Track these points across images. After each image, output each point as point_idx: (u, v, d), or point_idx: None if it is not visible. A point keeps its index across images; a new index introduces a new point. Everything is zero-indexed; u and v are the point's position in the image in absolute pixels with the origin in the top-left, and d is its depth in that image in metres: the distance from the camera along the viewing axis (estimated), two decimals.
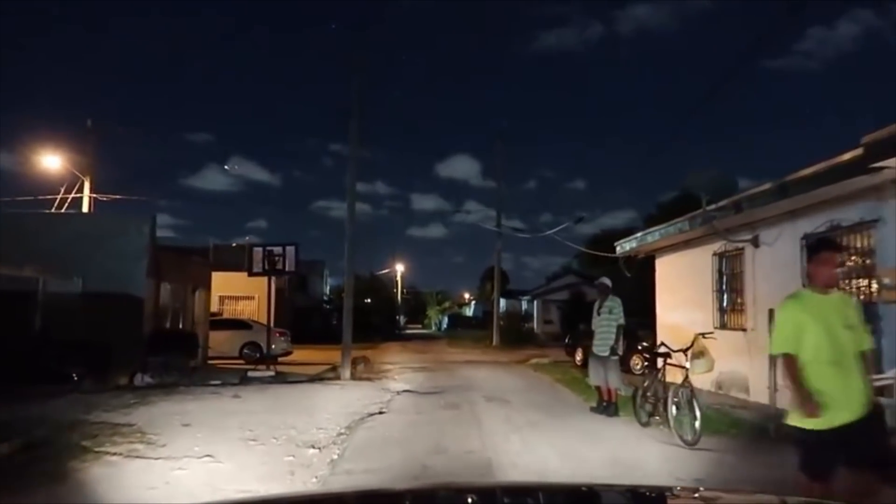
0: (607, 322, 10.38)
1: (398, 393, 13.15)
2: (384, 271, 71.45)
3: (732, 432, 8.88)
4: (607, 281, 10.81)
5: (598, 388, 10.66)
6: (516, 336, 33.94)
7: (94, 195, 26.44)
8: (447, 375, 17.30)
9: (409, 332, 66.35)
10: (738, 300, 12.61)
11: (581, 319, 38.95)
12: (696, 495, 2.59)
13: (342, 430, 8.76)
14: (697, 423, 8.10)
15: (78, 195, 25.67)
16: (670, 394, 8.46)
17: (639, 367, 16.97)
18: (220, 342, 21.75)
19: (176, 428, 8.69)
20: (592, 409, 10.50)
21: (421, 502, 2.25)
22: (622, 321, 10.40)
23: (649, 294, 16.93)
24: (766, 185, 10.13)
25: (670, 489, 3.49)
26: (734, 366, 11.86)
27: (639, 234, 15.93)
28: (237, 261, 37.40)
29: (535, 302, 44.56)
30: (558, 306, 42.52)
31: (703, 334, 9.00)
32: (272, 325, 33.93)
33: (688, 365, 8.66)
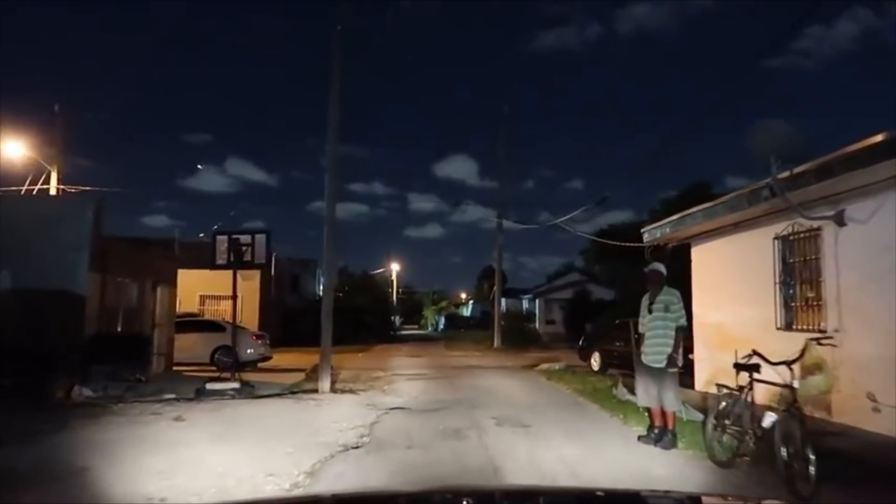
0: (662, 323, 7.72)
1: (387, 411, 10.48)
2: (379, 271, 68.85)
3: (849, 474, 6.23)
4: (661, 268, 8.16)
5: (648, 411, 7.99)
6: (519, 337, 31.30)
7: (62, 187, 23.78)
8: (447, 386, 14.62)
9: (405, 332, 63.62)
10: (812, 294, 9.97)
11: (587, 319, 36.35)
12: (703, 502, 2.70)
13: (299, 479, 6.07)
14: (812, 469, 5.48)
15: (45, 187, 23.09)
16: (776, 427, 5.80)
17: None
18: (189, 346, 19.07)
19: (59, 475, 6.02)
20: (641, 439, 7.83)
21: None
22: (683, 321, 7.76)
23: (682, 289, 14.29)
24: (878, 137, 7.47)
25: (673, 494, 3.31)
26: (806, 376, 9.22)
27: (674, 218, 13.28)
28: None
29: (538, 301, 41.90)
30: (561, 306, 39.90)
31: (817, 340, 6.34)
32: (255, 326, 31.25)
33: (795, 383, 6.01)
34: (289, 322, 35.67)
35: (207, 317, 31.35)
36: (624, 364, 16.09)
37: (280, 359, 24.62)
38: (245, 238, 13.81)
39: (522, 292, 46.23)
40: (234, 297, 14.10)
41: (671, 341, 7.57)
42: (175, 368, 17.91)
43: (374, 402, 11.66)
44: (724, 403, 6.86)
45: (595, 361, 17.49)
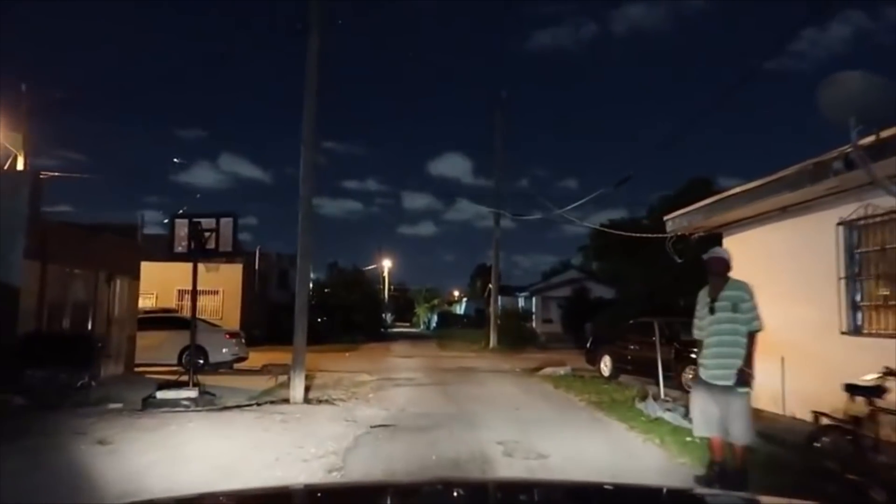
0: (731, 326, 5.78)
1: (368, 430, 8.51)
2: (370, 267, 66.77)
3: None
4: (725, 254, 6.27)
5: (708, 442, 6.04)
6: (516, 337, 29.38)
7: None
8: (440, 394, 12.66)
9: (396, 330, 61.58)
10: (891, 292, 8.08)
11: (586, 318, 34.47)
12: (695, 495, 2.84)
13: None
14: None
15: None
16: None
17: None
18: (155, 346, 17.04)
19: None
20: (699, 480, 5.87)
21: (420, 496, 2.21)
22: (759, 324, 5.78)
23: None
24: None
25: (667, 489, 3.54)
26: None
27: (708, 202, 11.38)
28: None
29: (534, 299, 40.00)
30: (559, 304, 38.01)
31: None
32: (237, 323, 29.20)
33: None
34: (275, 319, 33.58)
35: (181, 313, 29.42)
36: (640, 369, 14.19)
37: (260, 358, 22.63)
38: (208, 222, 11.80)
39: (518, 290, 44.31)
40: (194, 292, 12.17)
41: (742, 351, 5.64)
42: (139, 370, 15.92)
43: (355, 415, 9.70)
44: (828, 438, 4.91)
45: (605, 366, 15.58)
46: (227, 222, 11.96)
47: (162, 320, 18.22)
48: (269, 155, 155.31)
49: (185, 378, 11.38)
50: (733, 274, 6.20)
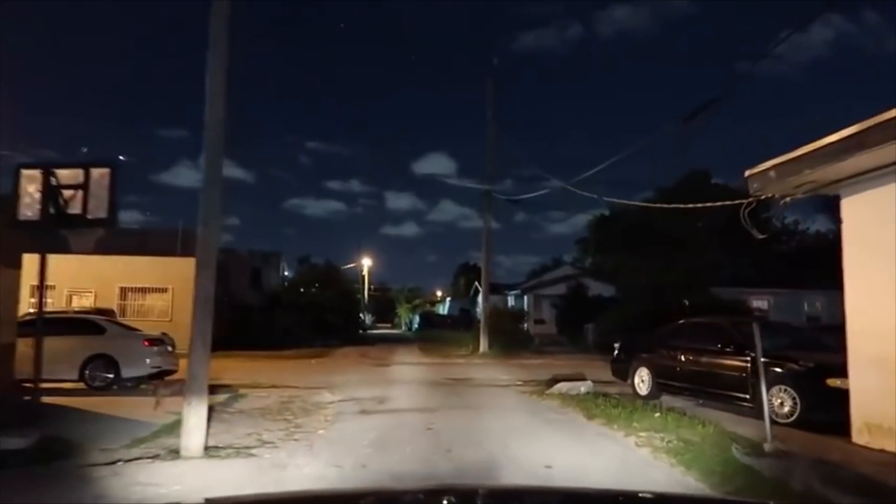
0: None
1: None
2: (350, 265, 62.48)
3: None
4: None
5: None
6: (509, 340, 25.34)
7: None
8: (422, 433, 8.51)
9: (376, 332, 57.30)
10: None
11: (584, 318, 30.52)
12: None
13: None
14: None
15: None
16: None
17: (791, 412, 8.68)
18: (49, 356, 12.70)
19: None
20: None
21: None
22: None
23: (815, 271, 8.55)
24: None
25: (668, 495, 3.52)
26: None
27: (823, 143, 7.37)
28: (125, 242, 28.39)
29: (526, 298, 36.03)
30: (553, 303, 34.09)
31: None
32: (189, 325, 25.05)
33: None
34: (244, 321, 29.34)
35: (125, 315, 25.05)
36: (695, 388, 10.26)
37: (213, 367, 18.54)
38: (69, 174, 7.61)
39: (508, 288, 40.29)
40: (42, 286, 7.89)
41: None
42: (28, 385, 11.65)
43: (282, 481, 5.61)
44: None
45: (641, 381, 11.57)
46: (100, 176, 7.78)
47: (61, 322, 13.87)
48: (250, 154, 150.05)
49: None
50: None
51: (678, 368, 10.63)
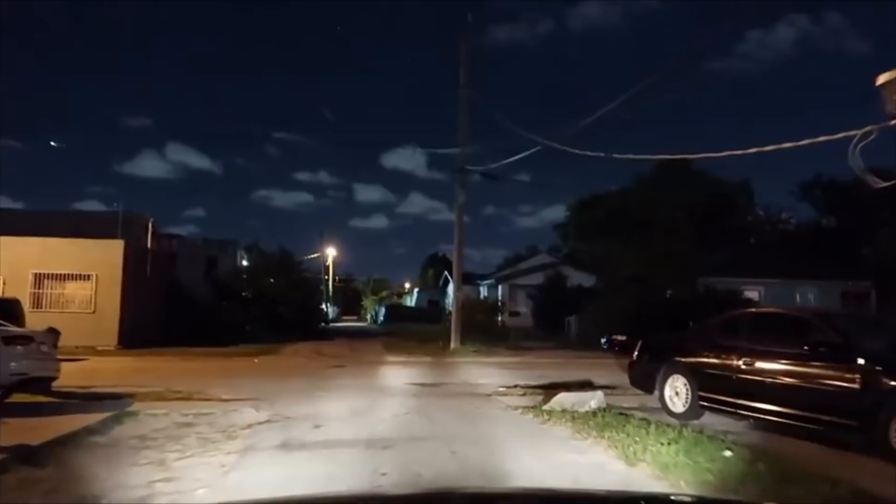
0: None
1: None
2: (313, 255, 58.73)
3: None
4: None
5: None
6: (483, 334, 22.16)
7: None
8: (363, 489, 5.18)
9: (339, 325, 53.80)
10: None
11: (564, 310, 27.53)
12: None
13: None
14: None
15: None
16: None
17: None
18: None
19: None
20: None
21: None
22: None
23: None
24: None
25: (673, 497, 3.39)
26: None
27: None
28: (43, 223, 24.54)
29: (501, 288, 32.90)
30: (529, 293, 31.04)
31: None
32: (116, 318, 21.33)
33: None
34: (189, 315, 25.65)
35: (45, 304, 21.21)
36: (758, 407, 7.16)
37: (127, 370, 15.26)
38: None
39: (480, 278, 37.11)
40: None
41: None
42: None
43: None
44: None
45: (675, 394, 8.38)
46: None
47: None
48: (216, 145, 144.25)
49: None
50: None
51: (733, 378, 7.50)
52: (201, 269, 33.00)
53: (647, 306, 23.53)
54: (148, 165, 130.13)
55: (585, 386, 10.78)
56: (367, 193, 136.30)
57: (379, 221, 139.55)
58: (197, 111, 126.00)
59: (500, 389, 11.81)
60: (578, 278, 30.26)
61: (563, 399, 8.91)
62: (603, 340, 22.11)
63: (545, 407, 8.76)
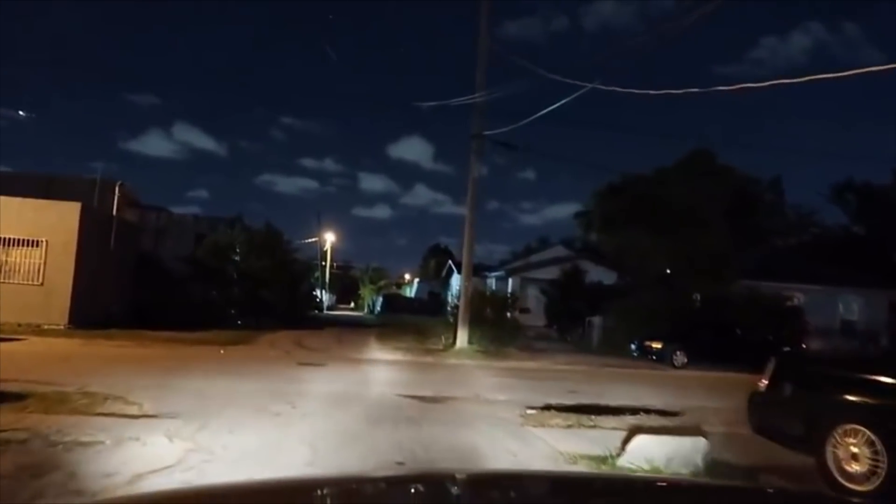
0: None
1: None
2: (310, 240, 55.37)
3: None
4: None
5: None
6: (493, 332, 18.80)
7: None
8: None
9: (334, 314, 50.45)
10: None
11: (582, 308, 24.12)
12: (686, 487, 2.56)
13: None
14: None
15: None
16: None
17: None
18: None
19: None
20: None
21: (404, 489, 2.03)
22: None
23: None
24: None
25: (663, 479, 3.57)
26: None
27: None
28: None
29: (511, 281, 29.53)
30: (542, 289, 27.68)
31: None
32: (67, 294, 18.30)
33: None
34: (171, 294, 22.38)
35: None
36: None
37: (56, 356, 12.18)
38: None
39: (489, 269, 33.68)
40: None
41: None
42: None
43: None
44: None
45: (853, 461, 4.99)
46: None
47: None
48: (221, 125, 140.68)
49: None
50: None
51: None
52: (190, 246, 29.78)
53: (681, 308, 20.24)
54: (153, 144, 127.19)
55: (648, 413, 7.46)
56: (372, 183, 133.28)
57: (382, 211, 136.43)
58: (205, 92, 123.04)
59: (530, 412, 8.53)
60: (598, 274, 26.92)
61: (647, 447, 5.59)
62: (633, 346, 18.80)
63: (624, 461, 5.43)
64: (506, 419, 8.02)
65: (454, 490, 2.03)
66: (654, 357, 18.06)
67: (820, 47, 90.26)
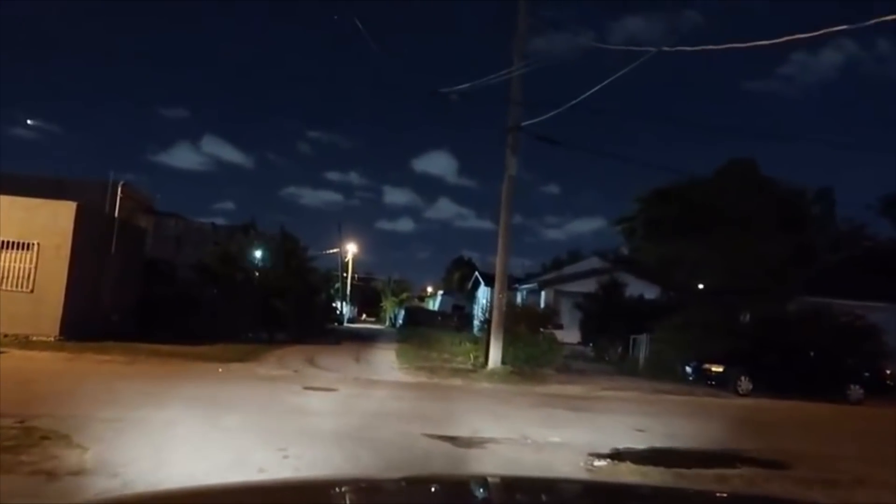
0: None
1: None
2: (331, 251, 53.70)
3: None
4: None
5: None
6: (526, 350, 16.61)
7: None
8: None
9: (354, 326, 48.54)
10: None
11: (623, 325, 21.40)
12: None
13: None
14: None
15: None
16: None
17: None
18: None
19: None
20: None
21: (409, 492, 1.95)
22: None
23: None
24: None
25: (662, 489, 3.25)
26: None
27: None
28: None
29: (544, 294, 27.28)
30: (577, 302, 25.41)
31: None
32: (59, 300, 16.66)
33: None
34: (168, 303, 20.63)
35: None
36: None
37: (25, 374, 10.43)
38: None
39: (518, 281, 31.47)
40: None
41: None
42: None
43: None
44: None
45: None
46: None
47: None
48: (249, 138, 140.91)
49: None
50: None
51: None
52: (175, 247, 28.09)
53: (739, 327, 17.89)
54: (182, 156, 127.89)
55: (745, 463, 5.32)
56: (396, 196, 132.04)
57: (405, 224, 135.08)
58: (234, 105, 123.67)
59: (598, 464, 6.40)
60: (638, 287, 24.62)
61: None
62: (688, 369, 16.50)
63: None
64: (569, 475, 5.90)
65: (473, 495, 1.96)
66: (713, 382, 15.75)
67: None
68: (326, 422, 7.83)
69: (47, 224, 16.97)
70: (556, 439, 7.80)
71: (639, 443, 8.01)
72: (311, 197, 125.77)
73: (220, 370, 12.97)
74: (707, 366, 15.87)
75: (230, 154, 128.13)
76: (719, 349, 16.36)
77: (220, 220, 27.15)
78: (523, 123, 14.47)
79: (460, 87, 13.60)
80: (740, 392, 15.19)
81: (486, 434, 7.76)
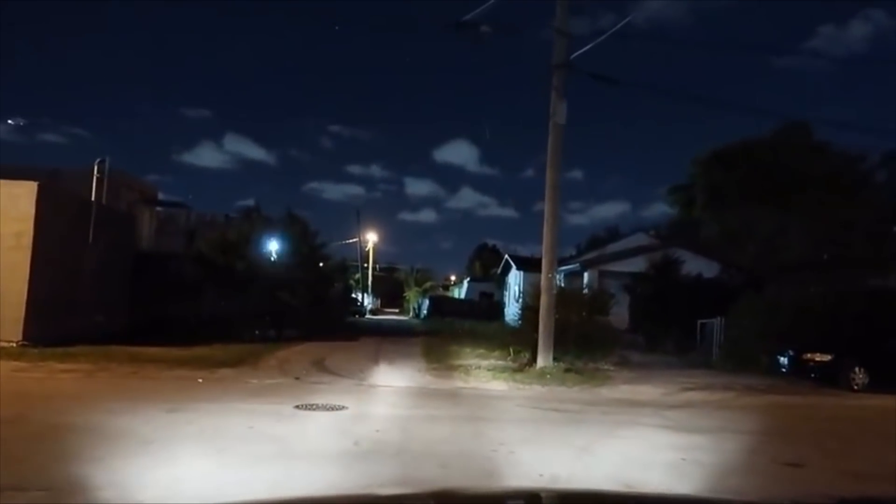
0: None
1: None
2: (350, 240, 51.07)
3: None
4: None
5: None
6: (580, 341, 13.64)
7: None
8: None
9: (376, 318, 45.78)
10: None
11: (682, 309, 17.96)
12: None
13: None
14: None
15: None
16: None
17: None
18: None
19: None
20: None
21: None
22: None
23: None
24: None
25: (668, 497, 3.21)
26: None
27: None
28: None
29: (587, 275, 24.13)
30: (624, 284, 22.29)
31: None
32: (21, 298, 14.14)
33: None
34: (161, 300, 17.95)
35: None
36: None
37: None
38: None
39: (560, 262, 28.17)
40: None
41: None
42: None
43: None
44: None
45: None
46: None
47: None
48: (271, 135, 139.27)
49: None
50: None
51: None
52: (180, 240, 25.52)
53: (838, 307, 14.63)
54: (205, 155, 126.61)
55: None
56: (418, 187, 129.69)
57: (427, 215, 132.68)
58: (256, 102, 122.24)
59: None
60: (696, 265, 21.44)
61: None
62: (782, 359, 13.36)
63: None
64: None
65: None
66: (816, 375, 12.61)
67: None
68: (314, 476, 4.91)
69: (5, 208, 14.32)
70: (681, 488, 4.82)
71: (794, 483, 5.01)
72: (334, 191, 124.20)
73: (201, 380, 10.19)
74: (808, 355, 12.71)
75: (253, 151, 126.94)
76: (810, 334, 13.25)
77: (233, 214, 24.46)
78: (573, 59, 11.40)
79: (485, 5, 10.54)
80: (855, 387, 12.06)
81: (569, 480, 4.81)
